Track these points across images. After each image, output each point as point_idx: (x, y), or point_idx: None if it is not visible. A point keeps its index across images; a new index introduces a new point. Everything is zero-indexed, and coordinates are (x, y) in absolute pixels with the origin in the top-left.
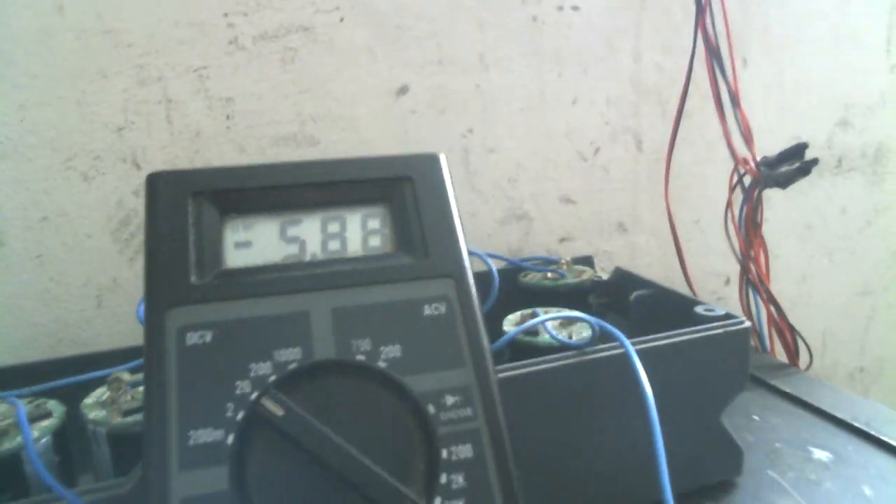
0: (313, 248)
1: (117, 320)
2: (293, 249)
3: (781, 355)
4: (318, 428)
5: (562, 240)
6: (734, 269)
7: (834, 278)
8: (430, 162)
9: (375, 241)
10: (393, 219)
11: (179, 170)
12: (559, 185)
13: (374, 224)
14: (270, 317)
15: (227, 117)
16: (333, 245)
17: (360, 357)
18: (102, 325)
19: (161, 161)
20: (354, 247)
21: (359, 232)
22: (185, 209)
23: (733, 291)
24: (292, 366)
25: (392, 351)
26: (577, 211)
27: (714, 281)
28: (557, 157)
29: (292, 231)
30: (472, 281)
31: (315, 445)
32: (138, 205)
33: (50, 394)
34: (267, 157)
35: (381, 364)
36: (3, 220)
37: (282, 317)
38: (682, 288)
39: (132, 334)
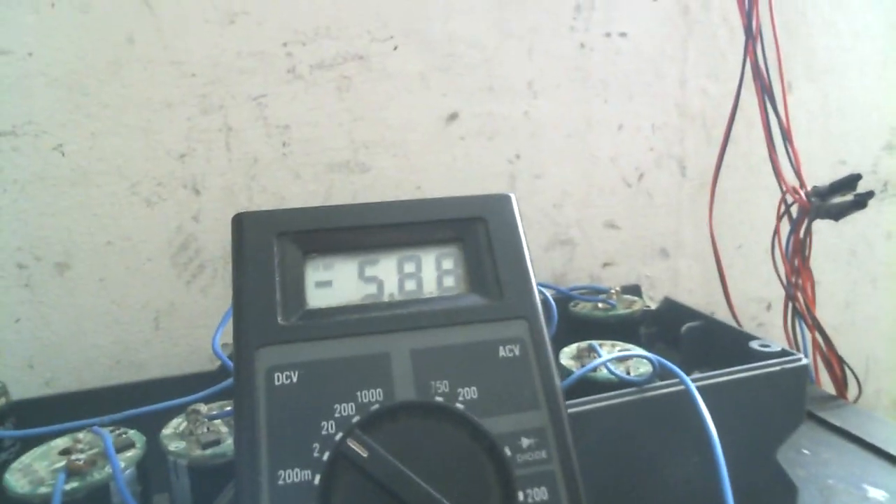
0: (391, 289)
1: (174, 343)
2: (371, 289)
3: (827, 385)
4: (400, 469)
5: (605, 265)
6: (776, 294)
7: (878, 305)
8: (503, 202)
9: (450, 282)
10: (466, 259)
11: (263, 211)
12: (604, 211)
13: (448, 264)
14: (353, 357)
15: (284, 144)
16: (410, 285)
17: (439, 398)
18: (159, 348)
19: (219, 187)
20: (430, 287)
21: (433, 272)
22: (271, 249)
23: (774, 317)
24: (375, 407)
25: (469, 392)
26: (621, 236)
27: (755, 307)
28: (602, 183)
29: (370, 271)
30: (544, 322)
31: (397, 486)
32: (197, 230)
33: (125, 421)
34: (321, 183)
35: (459, 406)
36: (72, 244)
37: (364, 357)
38: (725, 313)
39: (187, 357)
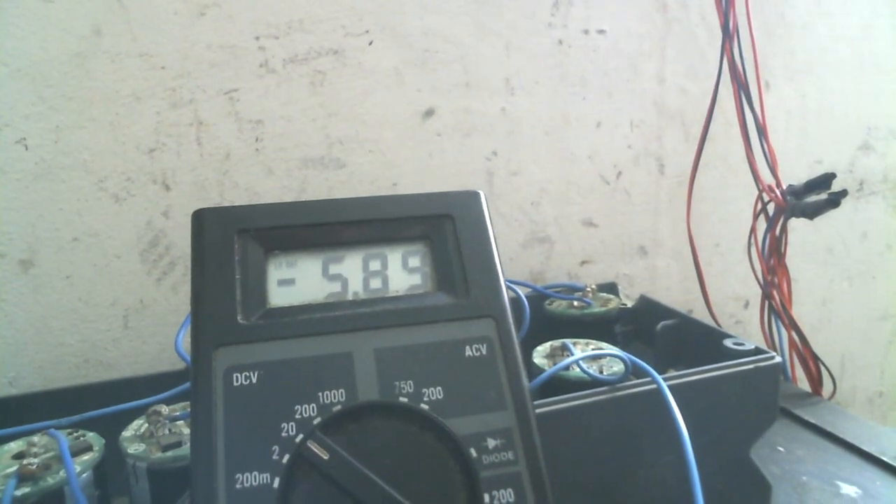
0: (355, 287)
1: (143, 341)
2: (335, 287)
3: (802, 381)
4: (362, 472)
5: (583, 262)
6: (753, 292)
7: (854, 303)
8: (471, 199)
9: (416, 280)
10: (433, 257)
11: (225, 207)
12: (581, 209)
13: (414, 262)
14: (315, 357)
15: (257, 139)
16: (375, 283)
17: (403, 399)
18: (128, 346)
19: (190, 182)
20: (395, 285)
21: (399, 270)
22: (231, 247)
23: (752, 315)
24: (337, 408)
25: (434, 393)
26: (599, 234)
27: (733, 304)
28: (580, 181)
29: (334, 269)
30: (511, 321)
31: (359, 490)
32: (167, 226)
33: (84, 423)
34: (295, 179)
35: (424, 406)
36: (36, 241)
37: (326, 357)
38: (703, 311)
39: (157, 356)
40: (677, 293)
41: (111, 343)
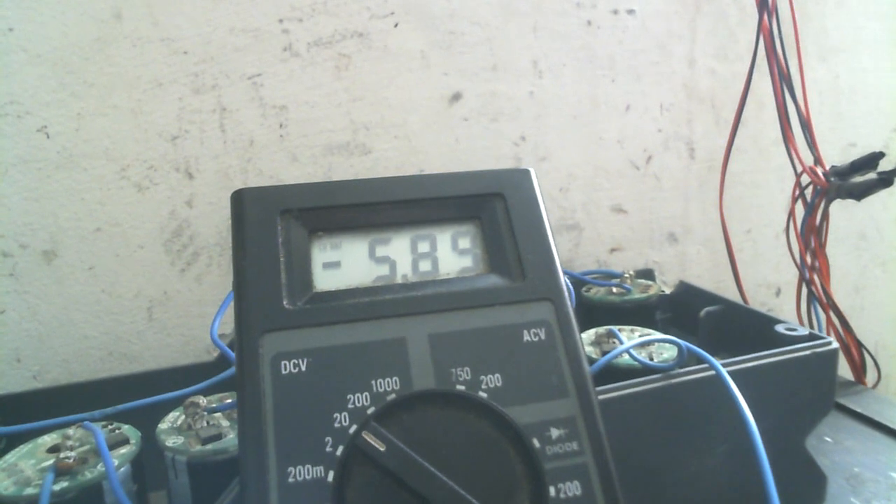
0: (404, 270)
1: (167, 334)
2: (383, 270)
3: (842, 370)
4: (420, 464)
5: (612, 250)
6: (785, 280)
7: (887, 289)
8: (522, 177)
9: (467, 262)
10: (484, 237)
11: (266, 187)
12: (610, 195)
13: (465, 243)
14: (366, 343)
15: (281, 125)
16: (424, 266)
17: (461, 387)
18: (152, 339)
19: (213, 170)
20: (446, 268)
21: (449, 252)
22: (275, 228)
23: (784, 303)
24: (391, 396)
25: (493, 380)
26: (628, 220)
27: (764, 292)
28: (609, 166)
29: (381, 251)
30: (570, 304)
31: (418, 482)
32: (190, 215)
33: (116, 416)
34: (319, 166)
35: (482, 394)
36: (58, 231)
37: (378, 343)
38: (734, 298)
39: (181, 349)
40: (708, 280)
41: (135, 336)
